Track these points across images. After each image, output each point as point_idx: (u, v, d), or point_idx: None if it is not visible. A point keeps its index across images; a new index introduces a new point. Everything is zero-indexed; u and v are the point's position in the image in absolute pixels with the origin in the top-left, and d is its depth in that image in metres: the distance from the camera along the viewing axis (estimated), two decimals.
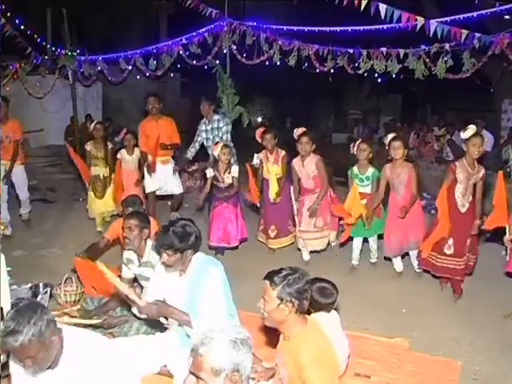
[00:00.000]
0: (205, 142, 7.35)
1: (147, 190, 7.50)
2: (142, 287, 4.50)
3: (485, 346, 4.33)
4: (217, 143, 6.45)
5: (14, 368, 2.57)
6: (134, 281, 4.44)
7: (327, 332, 2.75)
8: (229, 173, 6.32)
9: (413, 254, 5.79)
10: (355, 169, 5.93)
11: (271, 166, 6.49)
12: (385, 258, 6.04)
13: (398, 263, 5.93)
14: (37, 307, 2.40)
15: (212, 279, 3.31)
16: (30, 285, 5.01)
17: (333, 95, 20.47)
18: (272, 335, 3.20)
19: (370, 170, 5.86)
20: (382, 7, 6.99)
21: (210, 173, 6.37)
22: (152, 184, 7.46)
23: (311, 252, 6.41)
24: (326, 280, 3.52)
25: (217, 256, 6.31)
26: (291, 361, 2.57)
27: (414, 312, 4.98)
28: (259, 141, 6.50)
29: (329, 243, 6.43)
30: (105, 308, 4.31)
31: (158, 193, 7.59)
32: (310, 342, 2.54)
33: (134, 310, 3.56)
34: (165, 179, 7.44)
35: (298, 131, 6.17)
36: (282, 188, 6.48)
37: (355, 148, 5.90)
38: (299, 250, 6.44)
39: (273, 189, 6.48)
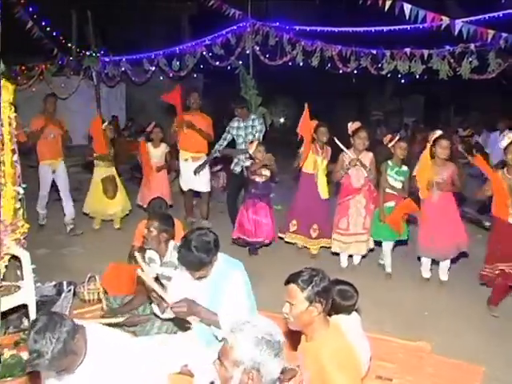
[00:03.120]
0: (235, 139, 7.29)
1: (184, 189, 7.59)
2: (163, 286, 4.54)
3: (507, 352, 4.27)
4: (252, 141, 6.51)
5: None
6: (155, 280, 4.46)
7: (347, 334, 2.74)
8: (266, 169, 6.39)
9: (445, 264, 5.61)
10: (391, 162, 5.77)
11: (321, 161, 6.28)
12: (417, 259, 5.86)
13: (426, 266, 5.73)
14: (55, 323, 2.41)
15: (233, 282, 3.32)
16: (53, 283, 5.08)
17: (355, 96, 20.34)
18: (293, 336, 3.19)
19: (405, 167, 5.78)
20: (407, 7, 6.94)
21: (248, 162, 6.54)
22: (184, 184, 7.54)
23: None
24: (346, 282, 3.50)
25: (251, 255, 6.51)
26: (312, 362, 2.56)
27: (436, 316, 4.92)
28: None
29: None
30: (128, 307, 4.34)
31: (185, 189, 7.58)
32: (331, 343, 2.53)
33: (156, 310, 3.58)
34: (194, 176, 7.38)
35: (353, 126, 5.94)
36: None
37: (393, 143, 5.75)
38: (335, 254, 6.19)
39: (324, 185, 6.31)
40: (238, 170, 7.19)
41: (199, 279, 3.38)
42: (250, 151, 6.37)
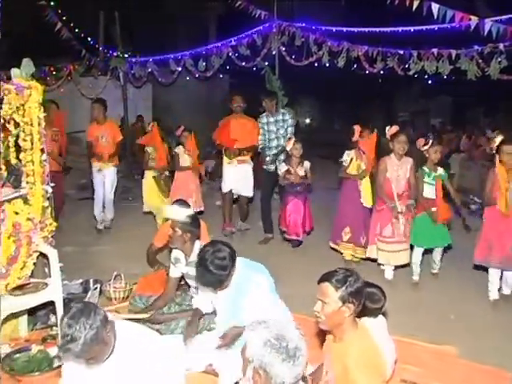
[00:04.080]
0: (266, 135, 7.21)
1: (223, 191, 7.50)
2: (188, 286, 4.56)
3: None
4: (289, 139, 6.54)
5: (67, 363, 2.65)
6: (181, 279, 4.50)
7: (374, 337, 2.73)
8: (302, 166, 6.44)
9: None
10: (426, 168, 5.66)
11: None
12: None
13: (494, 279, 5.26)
14: (89, 310, 2.47)
15: (256, 287, 3.35)
16: (80, 280, 5.13)
17: (381, 97, 20.21)
18: (317, 337, 3.19)
19: (440, 169, 5.66)
20: (435, 7, 6.87)
21: (283, 167, 6.49)
22: (227, 184, 7.42)
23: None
24: (374, 285, 3.46)
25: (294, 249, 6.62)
26: (339, 362, 2.55)
27: (462, 320, 4.83)
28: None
29: None
30: (152, 307, 4.36)
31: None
32: (359, 345, 2.53)
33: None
34: (238, 180, 7.33)
35: (391, 130, 5.69)
36: None
37: (427, 147, 5.61)
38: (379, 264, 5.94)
39: (368, 191, 6.14)
40: (272, 167, 7.08)
41: (223, 290, 3.43)
42: (288, 148, 6.41)
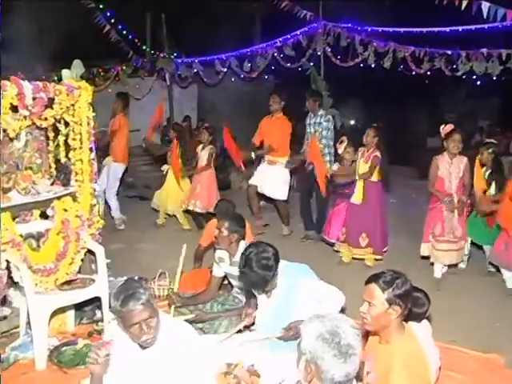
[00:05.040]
0: (307, 135, 7.20)
1: (249, 182, 7.55)
2: (231, 285, 4.59)
3: None
4: (341, 142, 6.46)
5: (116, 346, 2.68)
6: (224, 279, 4.52)
7: (420, 341, 2.69)
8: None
9: None
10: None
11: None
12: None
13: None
14: (139, 281, 2.68)
15: (304, 289, 3.33)
16: (125, 277, 5.22)
17: (428, 98, 19.84)
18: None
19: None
20: (485, 6, 6.70)
21: (336, 166, 6.51)
22: (254, 177, 7.44)
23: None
24: (418, 289, 3.41)
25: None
26: (383, 364, 2.53)
27: (509, 328, 4.68)
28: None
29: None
30: (195, 300, 4.40)
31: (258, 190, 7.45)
32: (405, 348, 2.50)
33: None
34: (265, 179, 7.28)
35: (446, 128, 5.59)
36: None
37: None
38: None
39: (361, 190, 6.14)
40: (311, 166, 6.96)
41: (266, 294, 3.43)
42: (339, 151, 6.36)
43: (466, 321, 4.79)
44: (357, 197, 6.14)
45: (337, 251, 6.49)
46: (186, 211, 7.71)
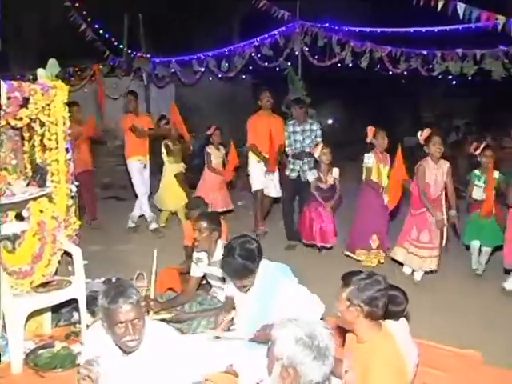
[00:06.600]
0: (293, 144, 6.94)
1: (254, 188, 7.42)
2: (210, 286, 4.58)
3: None
4: (317, 144, 6.46)
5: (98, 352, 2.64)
6: (203, 279, 4.51)
7: (397, 339, 2.71)
8: (331, 174, 6.37)
9: None
10: (478, 172, 5.76)
11: (383, 168, 6.12)
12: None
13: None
14: (127, 284, 2.62)
15: (284, 288, 3.34)
16: (103, 279, 5.18)
17: (405, 97, 20.03)
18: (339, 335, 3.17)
19: (496, 173, 5.68)
20: (461, 7, 6.78)
21: (313, 174, 6.40)
22: (258, 182, 7.35)
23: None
24: (397, 288, 3.45)
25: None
26: (361, 364, 2.54)
27: (485, 324, 4.75)
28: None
29: None
30: (174, 302, 4.38)
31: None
32: (382, 347, 2.51)
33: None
34: (266, 180, 7.31)
35: (424, 133, 5.59)
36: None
37: (478, 151, 5.69)
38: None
39: (389, 194, 6.01)
40: (293, 175, 6.92)
41: (242, 289, 3.41)
42: (316, 154, 6.33)
43: (444, 319, 4.84)
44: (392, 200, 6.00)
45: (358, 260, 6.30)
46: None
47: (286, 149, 7.00)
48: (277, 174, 7.33)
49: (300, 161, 6.84)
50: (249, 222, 7.66)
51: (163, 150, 7.67)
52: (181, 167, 7.77)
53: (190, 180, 8.10)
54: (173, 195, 7.66)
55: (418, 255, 5.61)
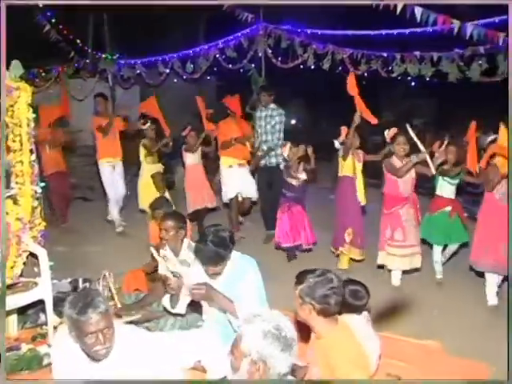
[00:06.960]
0: (258, 130, 7.11)
1: (229, 196, 7.37)
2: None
3: None
4: (284, 145, 6.46)
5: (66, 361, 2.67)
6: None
7: (357, 333, 2.79)
8: (301, 172, 6.35)
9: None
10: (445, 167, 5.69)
11: (357, 164, 6.04)
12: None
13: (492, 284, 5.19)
14: (94, 293, 2.61)
15: (248, 279, 3.40)
16: (69, 279, 5.16)
17: (365, 98, 20.37)
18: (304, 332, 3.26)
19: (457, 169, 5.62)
20: (418, 10, 6.96)
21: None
22: (231, 190, 7.35)
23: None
24: (358, 282, 3.55)
25: (289, 261, 6.40)
26: (322, 359, 2.61)
27: (446, 316, 4.91)
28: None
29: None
30: (142, 303, 4.42)
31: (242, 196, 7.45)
32: (340, 343, 2.56)
33: (166, 304, 3.64)
34: (243, 183, 7.32)
35: (390, 132, 5.65)
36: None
37: (443, 148, 5.58)
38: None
39: (362, 190, 5.99)
40: (274, 161, 7.03)
41: (213, 277, 3.45)
42: (284, 154, 6.35)
43: (409, 312, 4.97)
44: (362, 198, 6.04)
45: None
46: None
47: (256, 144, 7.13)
48: (248, 174, 7.38)
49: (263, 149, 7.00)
50: None
51: (141, 150, 7.66)
52: (159, 167, 7.68)
53: (167, 180, 8.07)
54: (149, 196, 7.63)
55: (397, 255, 5.53)
